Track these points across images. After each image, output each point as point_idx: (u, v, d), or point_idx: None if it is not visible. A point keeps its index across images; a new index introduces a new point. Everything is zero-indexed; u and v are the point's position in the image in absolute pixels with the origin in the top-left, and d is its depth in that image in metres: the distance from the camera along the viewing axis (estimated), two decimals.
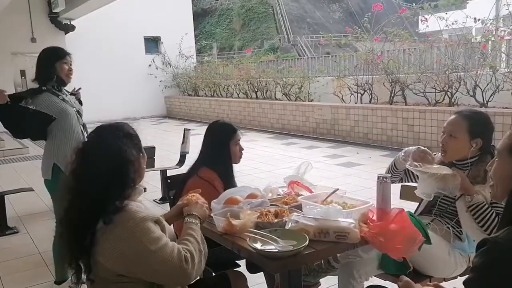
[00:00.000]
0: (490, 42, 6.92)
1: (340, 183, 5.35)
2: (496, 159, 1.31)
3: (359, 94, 8.97)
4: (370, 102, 8.82)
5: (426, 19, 8.27)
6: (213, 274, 2.37)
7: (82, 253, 1.44)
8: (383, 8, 8.64)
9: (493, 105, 6.90)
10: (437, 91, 7.51)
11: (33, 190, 4.66)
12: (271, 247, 1.58)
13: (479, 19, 6.83)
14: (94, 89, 12.94)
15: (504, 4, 7.01)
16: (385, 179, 1.84)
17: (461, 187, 1.89)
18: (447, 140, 2.04)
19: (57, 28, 12.84)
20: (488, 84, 6.91)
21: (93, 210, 1.41)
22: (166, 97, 15.67)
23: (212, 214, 1.81)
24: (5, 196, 4.33)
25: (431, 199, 1.99)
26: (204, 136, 2.47)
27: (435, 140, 7.10)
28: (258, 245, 1.61)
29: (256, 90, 11.80)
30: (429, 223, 2.12)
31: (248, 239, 1.65)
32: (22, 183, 5.96)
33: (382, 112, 7.96)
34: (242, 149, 2.45)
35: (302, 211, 1.91)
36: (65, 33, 13.03)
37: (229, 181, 2.39)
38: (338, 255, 2.11)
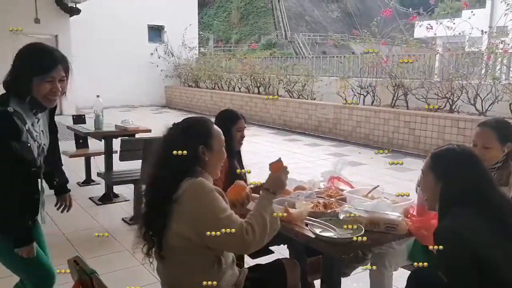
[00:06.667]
0: (493, 54, 7.17)
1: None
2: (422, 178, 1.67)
3: (362, 96, 9.20)
4: (372, 104, 9.05)
5: (431, 26, 8.51)
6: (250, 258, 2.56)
7: (160, 223, 1.63)
8: (377, 11, 8.84)
9: (492, 114, 7.17)
10: (439, 97, 7.77)
11: None
12: (330, 234, 1.77)
13: (485, 32, 7.08)
14: (95, 74, 12.98)
15: (505, 14, 7.24)
16: None
17: None
18: (483, 152, 2.18)
19: (62, 10, 12.77)
20: (488, 94, 7.19)
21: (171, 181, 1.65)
22: (166, 86, 15.71)
23: None
24: None
25: None
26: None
27: (435, 144, 7.34)
28: (317, 231, 1.80)
29: (258, 85, 11.96)
30: None
31: (308, 225, 1.84)
32: None
33: (384, 114, 8.20)
34: (243, 136, 2.71)
35: (346, 203, 2.11)
36: (70, 16, 12.97)
37: (231, 163, 2.59)
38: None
